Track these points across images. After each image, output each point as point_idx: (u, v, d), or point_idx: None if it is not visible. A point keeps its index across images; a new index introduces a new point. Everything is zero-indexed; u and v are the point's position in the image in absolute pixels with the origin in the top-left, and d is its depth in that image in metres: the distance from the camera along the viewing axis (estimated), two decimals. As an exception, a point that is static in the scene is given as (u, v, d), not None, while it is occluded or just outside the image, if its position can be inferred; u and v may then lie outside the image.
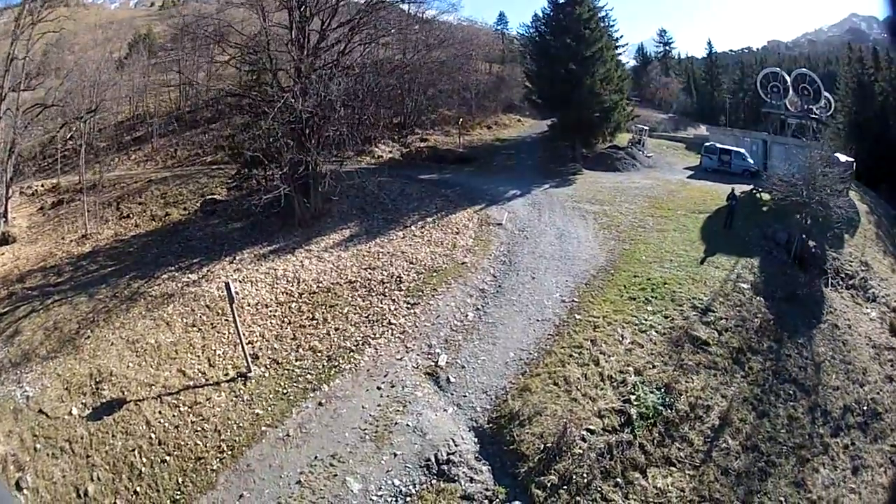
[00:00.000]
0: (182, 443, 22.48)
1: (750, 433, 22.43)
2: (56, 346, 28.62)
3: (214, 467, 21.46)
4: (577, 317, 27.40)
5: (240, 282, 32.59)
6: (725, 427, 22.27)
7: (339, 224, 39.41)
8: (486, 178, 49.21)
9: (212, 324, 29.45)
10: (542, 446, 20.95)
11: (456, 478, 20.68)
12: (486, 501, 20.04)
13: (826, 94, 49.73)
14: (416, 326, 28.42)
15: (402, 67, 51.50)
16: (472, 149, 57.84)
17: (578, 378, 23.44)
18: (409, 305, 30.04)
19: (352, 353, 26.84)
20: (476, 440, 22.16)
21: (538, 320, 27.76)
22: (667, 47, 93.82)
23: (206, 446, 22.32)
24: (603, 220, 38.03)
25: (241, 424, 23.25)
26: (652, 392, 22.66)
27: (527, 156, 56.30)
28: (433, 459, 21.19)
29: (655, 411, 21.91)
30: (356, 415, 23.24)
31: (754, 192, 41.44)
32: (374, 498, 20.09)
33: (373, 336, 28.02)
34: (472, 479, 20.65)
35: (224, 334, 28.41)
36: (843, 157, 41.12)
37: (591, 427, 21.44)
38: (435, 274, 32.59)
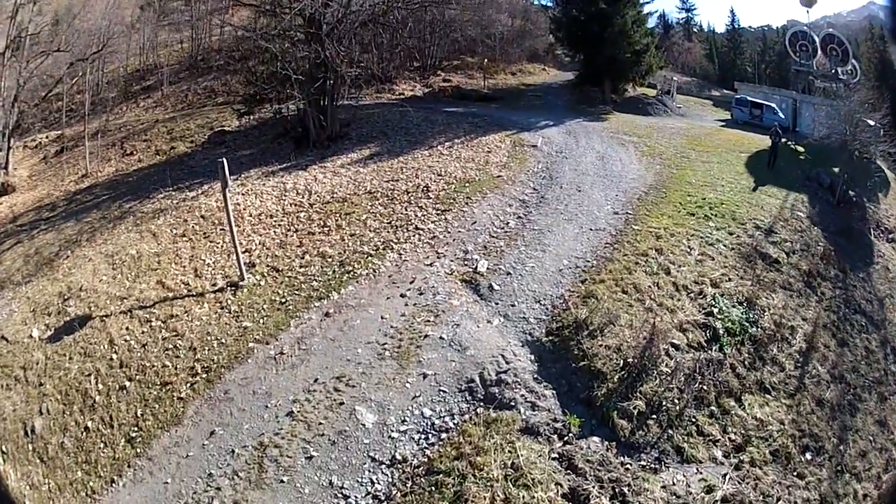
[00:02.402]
0: (147, 364, 16.77)
1: (836, 361, 18.67)
2: (33, 269, 23.68)
3: (183, 395, 15.58)
4: (636, 227, 21.95)
5: (242, 195, 26.58)
6: (812, 352, 18.31)
7: (357, 145, 32.53)
8: (514, 112, 41.83)
9: (204, 233, 23.70)
10: (622, 362, 15.30)
11: (511, 404, 14.35)
12: (554, 436, 13.71)
13: (853, 60, 46.17)
14: (449, 232, 22.20)
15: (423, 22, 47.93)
16: (497, 90, 51.70)
17: (650, 286, 18.36)
18: (438, 212, 23.64)
19: (370, 258, 20.75)
20: (533, 356, 16.03)
21: (591, 229, 22.01)
22: (689, 13, 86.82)
23: (175, 368, 16.51)
24: (644, 149, 31.92)
25: (222, 340, 17.28)
26: (734, 306, 18.16)
27: (554, 98, 50.01)
28: (478, 381, 14.97)
29: (741, 327, 17.49)
30: (373, 326, 17.08)
31: (788, 143, 36.60)
32: (395, 434, 13.80)
33: (396, 240, 21.81)
34: (533, 406, 14.36)
35: (217, 244, 22.61)
36: (871, 121, 36.17)
37: (675, 342, 16.29)
38: (467, 184, 26.09)
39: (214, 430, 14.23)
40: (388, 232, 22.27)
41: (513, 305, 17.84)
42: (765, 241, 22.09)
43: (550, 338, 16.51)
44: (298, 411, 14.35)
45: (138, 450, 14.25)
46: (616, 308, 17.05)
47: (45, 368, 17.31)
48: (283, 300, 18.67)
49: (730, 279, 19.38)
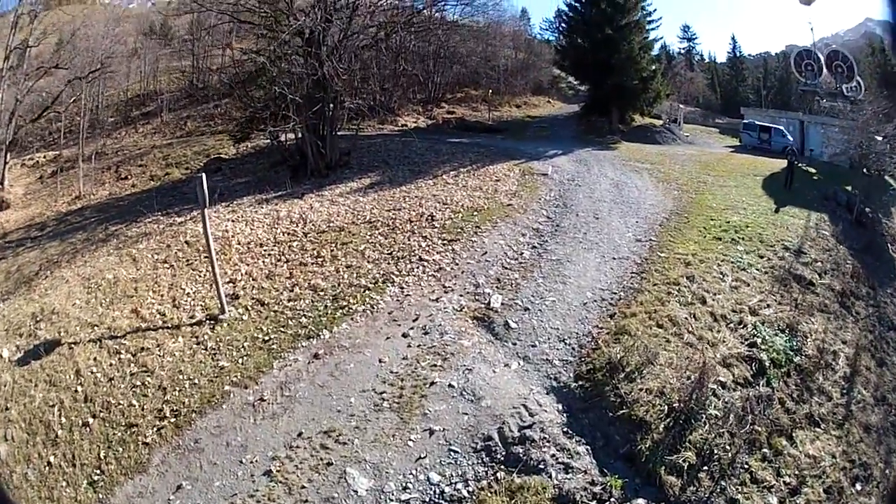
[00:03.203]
0: (113, 401, 14.27)
1: (877, 383, 16.90)
2: (12, 287, 21.86)
3: (149, 440, 13.04)
4: (662, 254, 19.85)
5: (232, 221, 23.88)
6: (856, 376, 16.55)
7: (357, 174, 29.89)
8: (520, 142, 39.75)
9: (187, 260, 20.93)
10: (667, 407, 12.86)
11: (539, 466, 11.68)
12: (593, 502, 11.24)
13: (858, 77, 43.94)
14: (457, 264, 19.52)
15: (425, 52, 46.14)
16: (501, 122, 50.18)
17: (686, 318, 16.19)
18: (444, 242, 20.94)
19: (367, 292, 17.92)
20: (561, 405, 13.47)
21: (614, 258, 19.81)
22: (690, 43, 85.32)
23: (142, 409, 13.97)
24: (659, 175, 29.99)
25: (195, 381, 14.60)
26: (776, 334, 16.24)
27: (561, 128, 48.29)
28: (496, 438, 12.26)
29: (786, 357, 15.58)
30: (369, 371, 14.38)
31: (800, 164, 34.78)
32: (394, 504, 11.03)
33: (397, 272, 19.04)
34: (566, 468, 11.73)
35: (200, 272, 19.76)
36: (878, 138, 35.01)
37: (721, 379, 14.06)
38: (476, 213, 23.44)
39: (182, 483, 11.79)
40: (389, 263, 19.60)
41: (533, 346, 15.31)
42: (796, 262, 20.40)
43: (580, 382, 14.02)
44: (278, 471, 11.69)
45: (100, 495, 12.02)
46: (653, 345, 14.73)
47: (11, 392, 15.11)
48: (267, 338, 15.96)
49: (768, 305, 17.49)
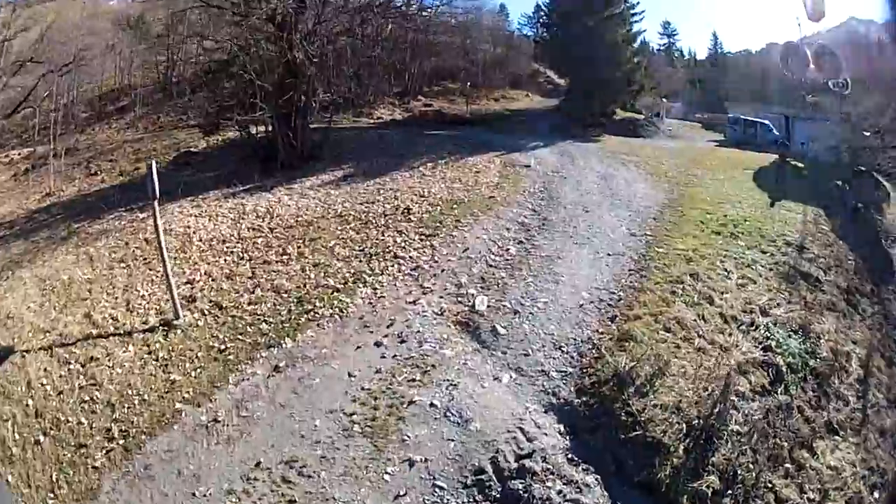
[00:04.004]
0: (62, 418, 12.51)
1: (889, 384, 15.57)
2: None
3: (98, 463, 11.20)
4: (660, 250, 18.08)
5: (195, 217, 22.00)
6: (869, 378, 15.21)
7: (330, 166, 27.58)
8: (500, 134, 37.94)
9: (145, 259, 18.88)
10: (685, 425, 11.17)
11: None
12: None
13: (844, 73, 40.43)
14: (436, 261, 17.48)
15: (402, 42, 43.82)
16: (480, 115, 48.24)
17: (695, 320, 14.50)
18: (422, 237, 18.91)
19: (336, 294, 15.84)
20: (563, 426, 11.44)
21: (609, 254, 17.96)
22: (671, 39, 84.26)
23: (91, 428, 12.10)
24: (647, 168, 28.10)
25: (145, 397, 12.67)
26: (790, 336, 14.75)
27: (541, 121, 46.11)
28: (490, 470, 10.27)
29: (802, 361, 14.16)
30: (337, 387, 12.34)
31: (788, 160, 34.45)
32: (367, 554, 9.52)
33: (369, 272, 16.96)
34: None
35: (157, 272, 17.53)
36: (866, 133, 34.93)
37: (740, 388, 12.51)
38: (455, 206, 21.47)
39: None
40: (361, 261, 17.60)
41: (526, 354, 13.28)
42: (800, 258, 18.94)
43: (584, 398, 12.07)
44: (234, 505, 9.79)
45: None
46: (663, 352, 12.97)
47: None
48: (223, 347, 13.88)
49: (778, 304, 15.97)
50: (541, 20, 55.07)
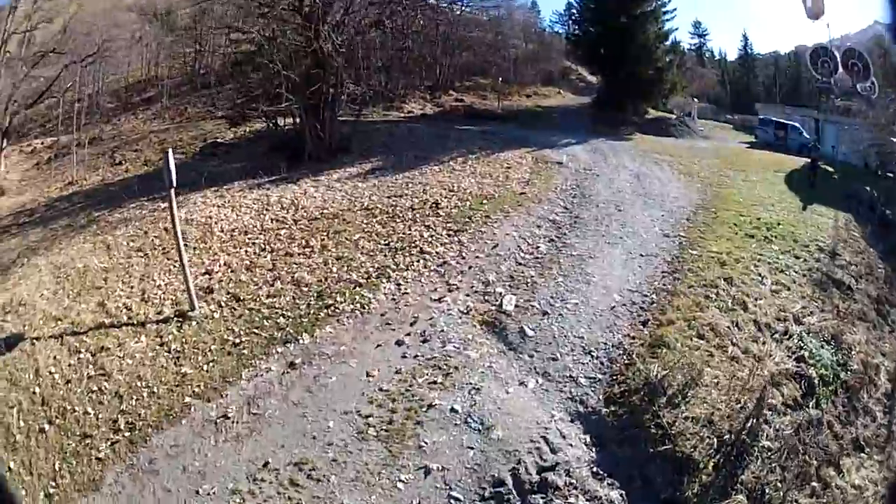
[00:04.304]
0: (69, 407, 12.33)
1: None
2: None
3: (102, 455, 11.00)
4: (694, 252, 17.45)
5: (217, 207, 21.78)
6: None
7: (358, 159, 27.43)
8: (531, 131, 36.70)
9: (164, 249, 18.61)
10: (715, 440, 10.52)
11: None
12: None
13: (873, 77, 41.39)
14: (463, 257, 16.87)
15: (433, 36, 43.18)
16: (511, 111, 47.87)
17: (728, 327, 13.86)
18: (450, 233, 18.35)
19: (358, 289, 15.28)
20: (589, 437, 10.78)
21: (642, 255, 17.31)
22: (701, 39, 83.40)
23: (97, 418, 11.89)
24: (679, 168, 27.60)
25: (154, 389, 12.37)
26: (822, 346, 14.18)
27: (573, 118, 45.58)
28: (510, 482, 9.71)
29: (834, 373, 13.57)
30: (354, 387, 11.82)
31: (819, 164, 32.54)
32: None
33: (394, 267, 16.37)
34: None
35: (175, 262, 17.00)
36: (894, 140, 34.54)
37: (772, 401, 11.83)
38: (485, 201, 20.89)
39: None
40: (386, 255, 17.08)
41: (554, 359, 12.61)
42: (832, 265, 18.31)
43: (612, 408, 11.43)
44: (238, 506, 9.51)
45: None
46: (696, 360, 12.31)
47: None
48: (238, 341, 13.50)
49: (811, 312, 15.32)
50: (572, 17, 54.33)
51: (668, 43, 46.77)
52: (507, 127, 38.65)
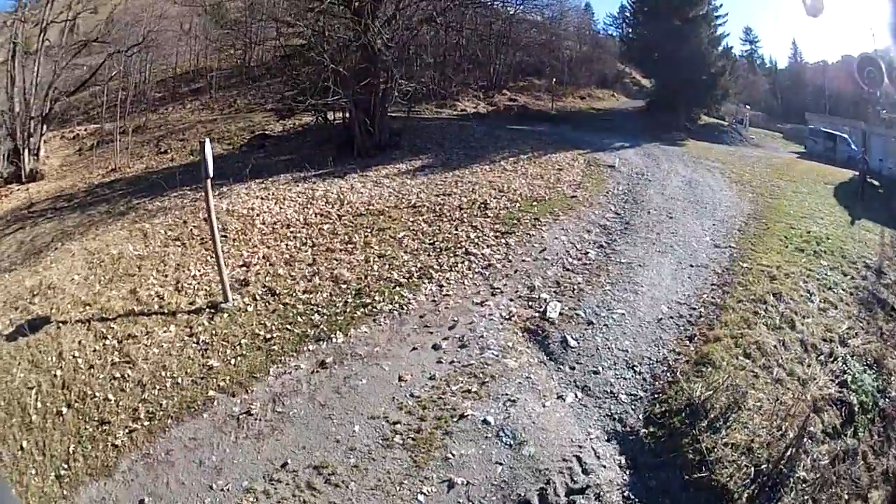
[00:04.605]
0: (89, 392, 12.28)
1: None
2: (21, 258, 20.29)
3: (118, 442, 10.95)
4: (744, 265, 16.74)
5: (261, 199, 21.52)
6: None
7: (408, 156, 27.31)
8: (584, 133, 36.60)
9: (202, 238, 18.41)
10: (753, 470, 9.72)
11: None
12: None
13: None
14: (510, 260, 16.34)
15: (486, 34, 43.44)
16: (565, 112, 47.84)
17: (775, 347, 13.06)
18: (498, 234, 17.85)
19: (398, 289, 14.84)
20: (624, 459, 10.15)
21: (692, 265, 16.61)
22: (752, 46, 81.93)
23: (117, 405, 11.82)
24: (731, 175, 26.94)
25: (178, 380, 12.27)
26: (865, 370, 13.24)
27: (626, 122, 45.57)
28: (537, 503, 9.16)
29: (873, 400, 12.52)
30: (384, 391, 11.42)
31: (868, 178, 31.75)
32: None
33: (437, 267, 15.89)
34: None
35: (212, 252, 16.26)
36: None
37: (811, 428, 10.97)
38: (535, 204, 20.37)
39: (144, 499, 9.84)
40: (429, 255, 16.58)
41: (595, 372, 11.95)
42: (878, 284, 17.34)
43: (651, 429, 10.70)
44: (250, 506, 9.31)
45: (65, 491, 10.45)
46: (741, 380, 11.59)
47: None
48: (269, 335, 13.16)
49: (856, 334, 14.43)
50: (625, 20, 54.27)
51: (720, 48, 46.42)
52: (560, 128, 38.32)
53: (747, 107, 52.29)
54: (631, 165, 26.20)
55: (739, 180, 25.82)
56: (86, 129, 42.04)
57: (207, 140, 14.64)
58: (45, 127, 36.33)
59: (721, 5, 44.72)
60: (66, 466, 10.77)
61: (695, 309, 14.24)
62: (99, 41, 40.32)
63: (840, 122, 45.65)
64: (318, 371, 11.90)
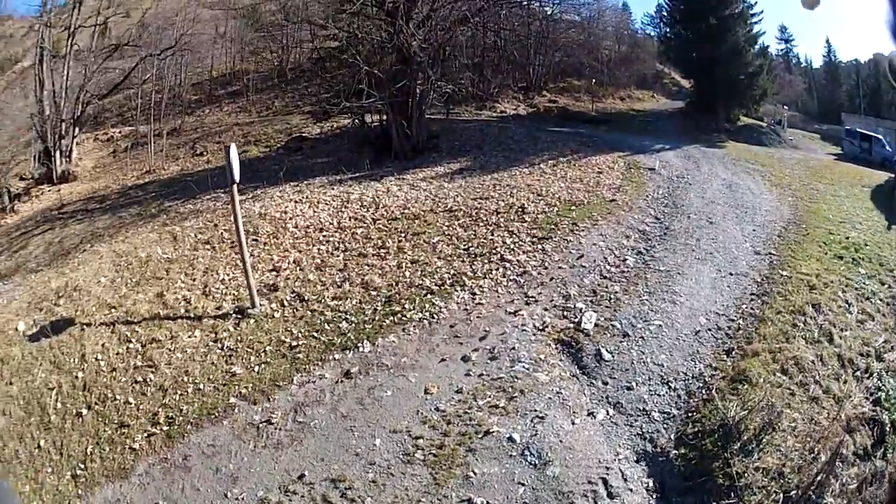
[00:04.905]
0: (110, 395, 12.46)
1: None
2: (49, 258, 20.92)
3: (136, 446, 11.11)
4: (784, 273, 16.09)
5: (294, 202, 21.53)
6: None
7: (446, 159, 27.04)
8: (624, 134, 36.70)
9: (232, 242, 18.24)
10: (782, 496, 9.19)
11: None
12: None
13: None
14: (546, 268, 15.80)
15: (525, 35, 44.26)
16: (605, 114, 47.65)
17: (812, 362, 12.40)
18: (534, 240, 17.30)
19: (429, 297, 14.43)
20: (652, 482, 9.70)
21: (731, 273, 16.09)
22: (788, 45, 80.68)
23: (137, 409, 11.97)
24: (771, 178, 26.53)
25: (200, 386, 12.29)
26: None
27: (666, 123, 45.31)
28: None
29: None
30: (409, 404, 11.13)
31: None
32: None
33: (471, 274, 15.44)
34: None
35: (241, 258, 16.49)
36: None
37: (843, 451, 10.27)
38: (574, 208, 19.76)
39: (159, 502, 9.98)
40: (463, 262, 16.15)
41: (629, 388, 11.48)
42: None
43: (682, 450, 10.21)
44: (265, 518, 9.43)
45: (80, 491, 10.59)
46: (777, 398, 11.02)
47: (17, 367, 13.82)
48: (295, 343, 13.00)
49: (892, 347, 13.78)
50: (663, 19, 54.39)
51: (756, 47, 46.18)
52: (600, 130, 38.23)
53: (785, 107, 52.28)
54: (671, 168, 25.90)
55: (779, 183, 25.47)
56: (120, 132, 42.63)
57: (233, 145, 14.63)
58: (77, 129, 36.98)
59: (756, 2, 44.76)
60: (82, 467, 10.90)
61: (733, 321, 13.79)
62: (130, 45, 40.91)
63: (875, 123, 46.21)
64: (342, 381, 11.71)
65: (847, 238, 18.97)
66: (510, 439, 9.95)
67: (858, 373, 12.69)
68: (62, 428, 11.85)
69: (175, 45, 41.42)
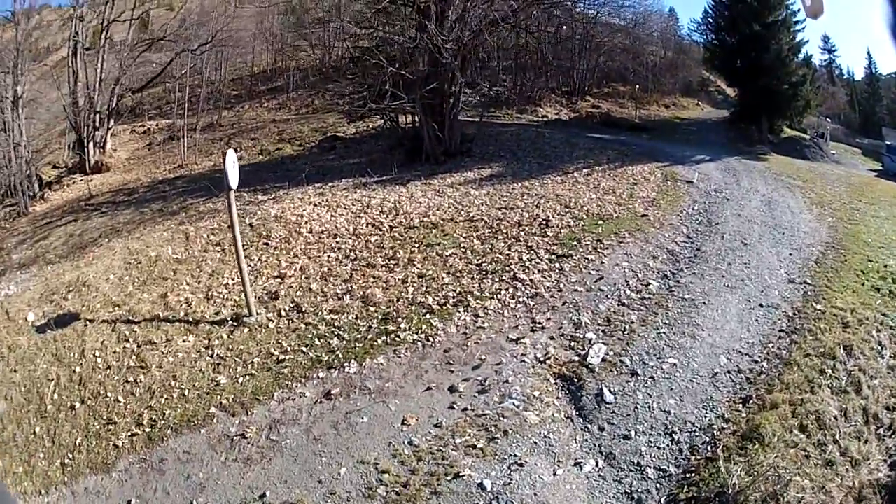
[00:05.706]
0: (102, 392, 13.09)
1: None
2: (67, 251, 21.75)
3: (120, 444, 11.53)
4: (818, 306, 14.28)
5: (314, 205, 21.59)
6: None
7: (478, 164, 26.78)
8: (666, 143, 36.03)
9: (243, 245, 17.50)
10: None
11: None
12: None
13: None
14: (560, 290, 14.72)
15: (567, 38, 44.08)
16: (648, 121, 47.87)
17: (835, 417, 10.78)
18: (553, 257, 16.33)
19: (428, 317, 13.79)
20: None
21: (761, 305, 14.33)
22: (831, 55, 79.37)
23: (125, 408, 12.48)
24: (812, 196, 24.79)
25: (185, 392, 12.59)
26: None
27: (709, 133, 45.39)
28: None
29: None
30: (383, 434, 10.54)
31: None
32: None
33: (478, 293, 14.62)
34: None
35: (251, 260, 17.45)
36: None
37: None
38: (601, 222, 18.81)
39: (132, 500, 10.27)
40: (472, 278, 15.40)
41: (626, 437, 10.14)
42: None
43: (672, 516, 9.29)
44: (221, 530, 9.58)
45: (66, 478, 11.19)
46: (787, 464, 9.52)
47: (23, 356, 14.80)
48: (283, 357, 12.82)
49: None
50: (709, 25, 54.12)
51: (800, 56, 46.01)
52: (642, 138, 38.07)
53: (828, 120, 52.08)
54: (709, 181, 25.19)
55: (820, 202, 24.36)
56: (157, 125, 44.12)
57: (231, 151, 14.68)
58: (112, 121, 38.20)
59: (799, 9, 44.20)
60: (70, 456, 11.51)
61: (757, 362, 12.13)
62: (166, 39, 42.03)
63: (911, 138, 45.23)
64: (321, 401, 11.35)
65: (885, 267, 17.45)
66: (480, 486, 9.09)
67: (881, 430, 11.15)
68: (56, 418, 12.52)
69: (210, 40, 42.12)
